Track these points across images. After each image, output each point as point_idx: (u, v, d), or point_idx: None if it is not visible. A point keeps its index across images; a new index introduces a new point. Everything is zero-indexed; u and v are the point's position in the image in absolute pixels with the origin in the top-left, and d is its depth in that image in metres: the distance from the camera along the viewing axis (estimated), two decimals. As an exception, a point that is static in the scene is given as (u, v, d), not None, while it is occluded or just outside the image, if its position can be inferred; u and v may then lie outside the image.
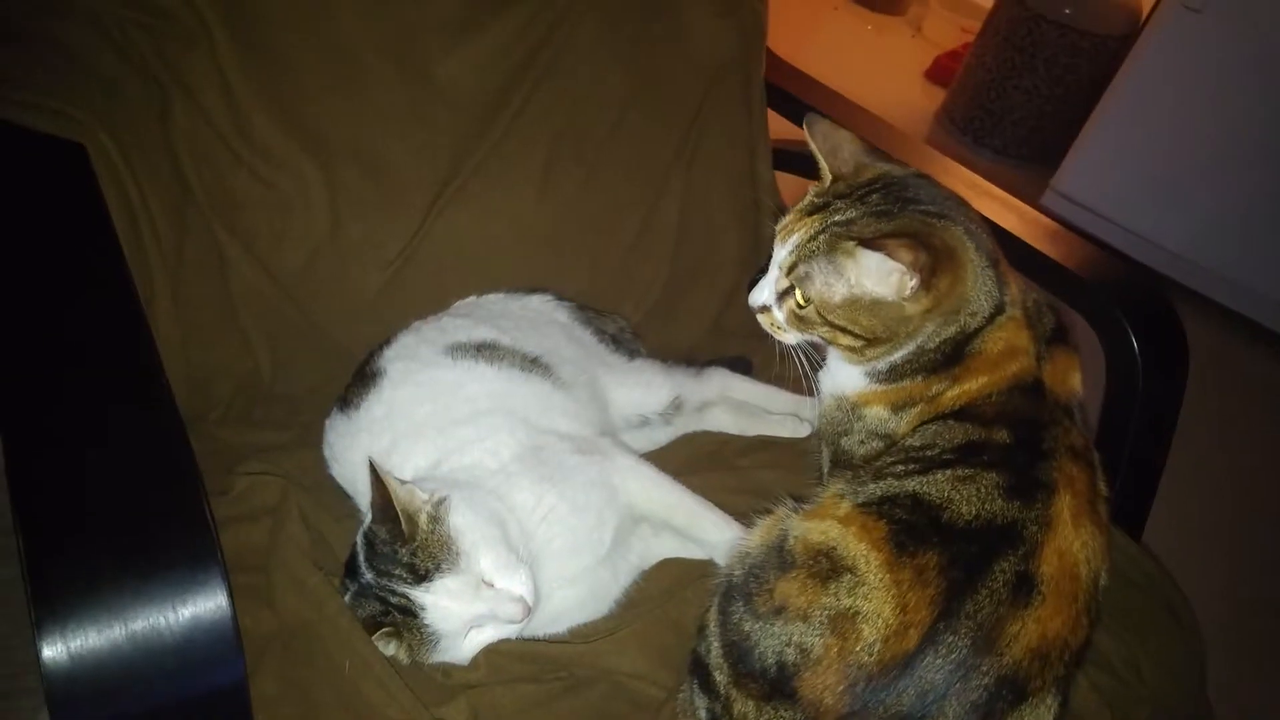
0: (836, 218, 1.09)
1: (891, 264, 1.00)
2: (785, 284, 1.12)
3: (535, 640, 1.17)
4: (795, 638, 0.93)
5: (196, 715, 0.81)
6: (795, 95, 1.86)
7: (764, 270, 1.17)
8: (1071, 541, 0.96)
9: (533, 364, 1.34)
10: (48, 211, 1.10)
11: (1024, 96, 3.66)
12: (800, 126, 1.82)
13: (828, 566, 0.95)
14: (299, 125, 1.45)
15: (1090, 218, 3.29)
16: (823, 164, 1.17)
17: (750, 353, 1.71)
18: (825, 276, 1.07)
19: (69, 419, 0.89)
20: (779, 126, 1.87)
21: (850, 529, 0.96)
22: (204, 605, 0.78)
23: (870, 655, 0.90)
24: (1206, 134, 3.08)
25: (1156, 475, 1.47)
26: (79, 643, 0.73)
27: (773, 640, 0.95)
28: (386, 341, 1.37)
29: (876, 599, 0.91)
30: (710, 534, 1.25)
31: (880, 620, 0.90)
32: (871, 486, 1.01)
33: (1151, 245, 3.22)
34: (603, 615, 1.22)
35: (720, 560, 1.18)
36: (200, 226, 1.39)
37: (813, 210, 1.13)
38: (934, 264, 1.01)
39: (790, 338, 1.17)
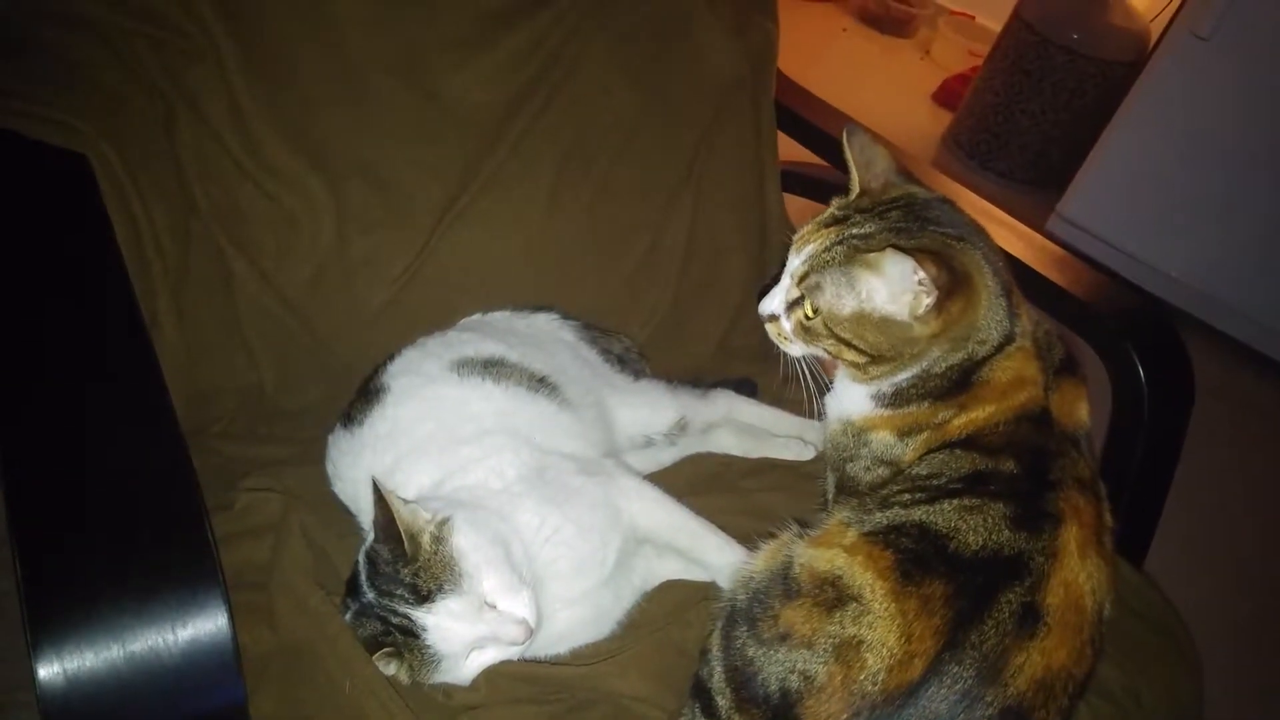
0: (854, 231, 1.09)
1: (912, 278, 1.00)
2: (796, 294, 1.12)
3: (537, 661, 1.16)
4: (799, 665, 0.92)
5: (195, 738, 0.81)
6: (804, 117, 1.86)
7: (776, 279, 1.17)
8: (1077, 573, 0.95)
9: (539, 383, 1.34)
10: (49, 222, 1.10)
11: (1031, 121, 3.66)
12: (808, 148, 1.84)
13: (833, 595, 0.94)
14: (305, 140, 1.45)
15: (1095, 244, 3.29)
16: (854, 175, 1.17)
17: (756, 375, 1.70)
18: (836, 288, 1.07)
19: (68, 435, 0.89)
20: (787, 148, 1.87)
21: (856, 558, 0.96)
22: (203, 627, 0.77)
23: (874, 684, 0.89)
24: (1213, 162, 3.08)
25: (1160, 503, 1.47)
26: (75, 664, 0.73)
27: (776, 666, 0.94)
28: (391, 357, 1.37)
29: (881, 628, 0.91)
30: (713, 557, 1.24)
31: (885, 649, 0.90)
32: (878, 515, 1.01)
33: (1156, 272, 3.22)
34: (605, 637, 1.21)
35: (723, 583, 1.17)
36: (205, 240, 1.39)
37: (832, 222, 1.13)
38: (951, 286, 1.01)
39: (796, 349, 1.17)
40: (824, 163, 1.83)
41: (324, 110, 1.47)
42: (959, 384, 1.07)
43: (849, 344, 1.09)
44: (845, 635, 0.91)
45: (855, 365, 1.11)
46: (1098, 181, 3.30)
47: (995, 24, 3.91)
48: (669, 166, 1.75)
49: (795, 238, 1.15)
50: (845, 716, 0.90)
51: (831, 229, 1.11)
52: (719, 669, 1.00)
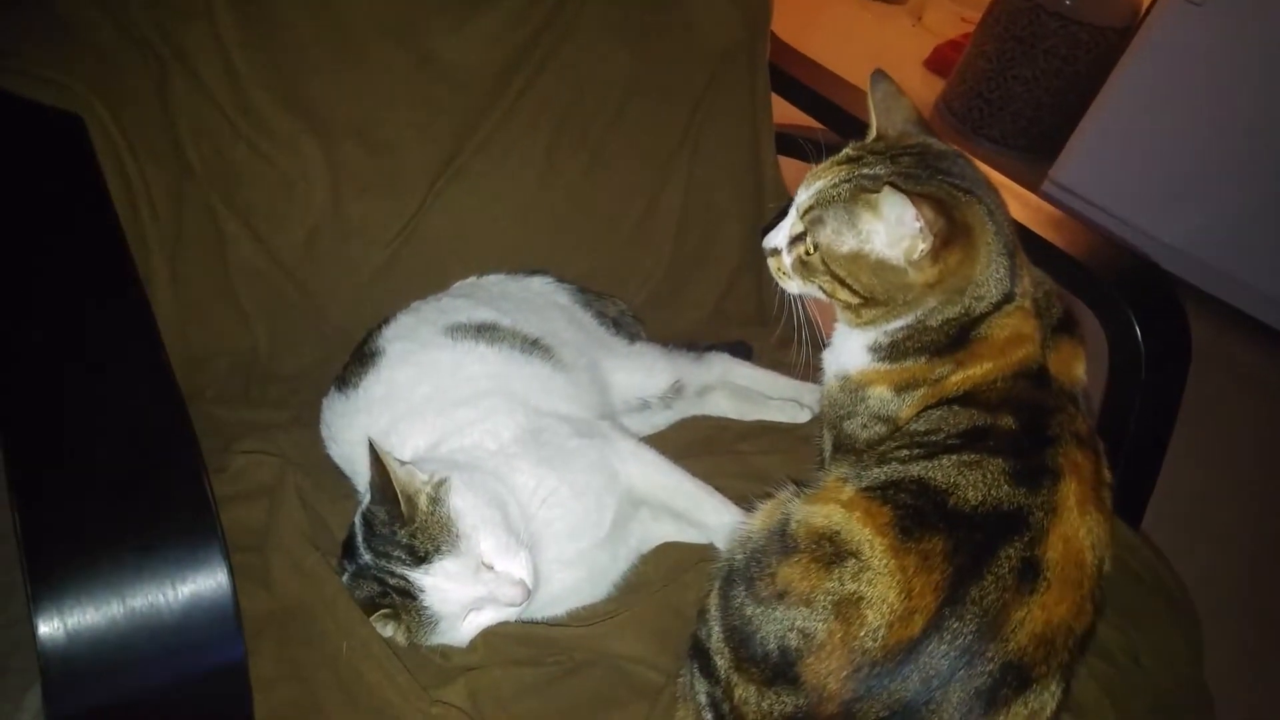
0: (865, 170, 1.09)
1: (909, 221, 1.00)
2: (799, 228, 1.12)
3: (534, 623, 1.16)
4: (798, 623, 0.92)
5: (195, 695, 0.80)
6: (799, 79, 1.85)
7: (785, 214, 1.17)
8: (1077, 528, 0.95)
9: (533, 346, 1.33)
10: (46, 180, 1.09)
11: (1023, 87, 3.65)
12: (803, 111, 1.83)
13: (831, 551, 0.94)
14: (300, 102, 1.44)
15: (1088, 209, 3.29)
16: (873, 119, 1.18)
17: (751, 338, 1.70)
18: (837, 224, 1.07)
19: (68, 393, 0.88)
20: (782, 111, 1.86)
21: (854, 514, 0.95)
22: (204, 583, 0.77)
23: (874, 641, 0.89)
24: (1205, 128, 3.08)
25: (1156, 465, 1.47)
26: (76, 619, 0.73)
27: (775, 625, 0.94)
28: (385, 321, 1.36)
29: (881, 584, 0.90)
30: (710, 517, 1.24)
31: (885, 606, 0.89)
32: (875, 471, 1.00)
33: (1148, 238, 3.22)
34: (602, 598, 1.21)
35: (720, 544, 1.17)
36: (199, 202, 1.38)
37: (845, 161, 1.13)
38: (948, 234, 1.01)
39: (794, 286, 1.16)
40: (819, 125, 1.82)
41: (318, 72, 1.46)
42: (956, 340, 1.06)
43: (843, 283, 1.09)
44: (844, 592, 0.91)
45: (848, 307, 1.11)
46: (1090, 147, 3.30)
47: (988, -10, 3.89)
48: (664, 131, 1.74)
49: (808, 174, 1.15)
50: (845, 673, 0.89)
51: (843, 167, 1.11)
52: (717, 629, 1.00)
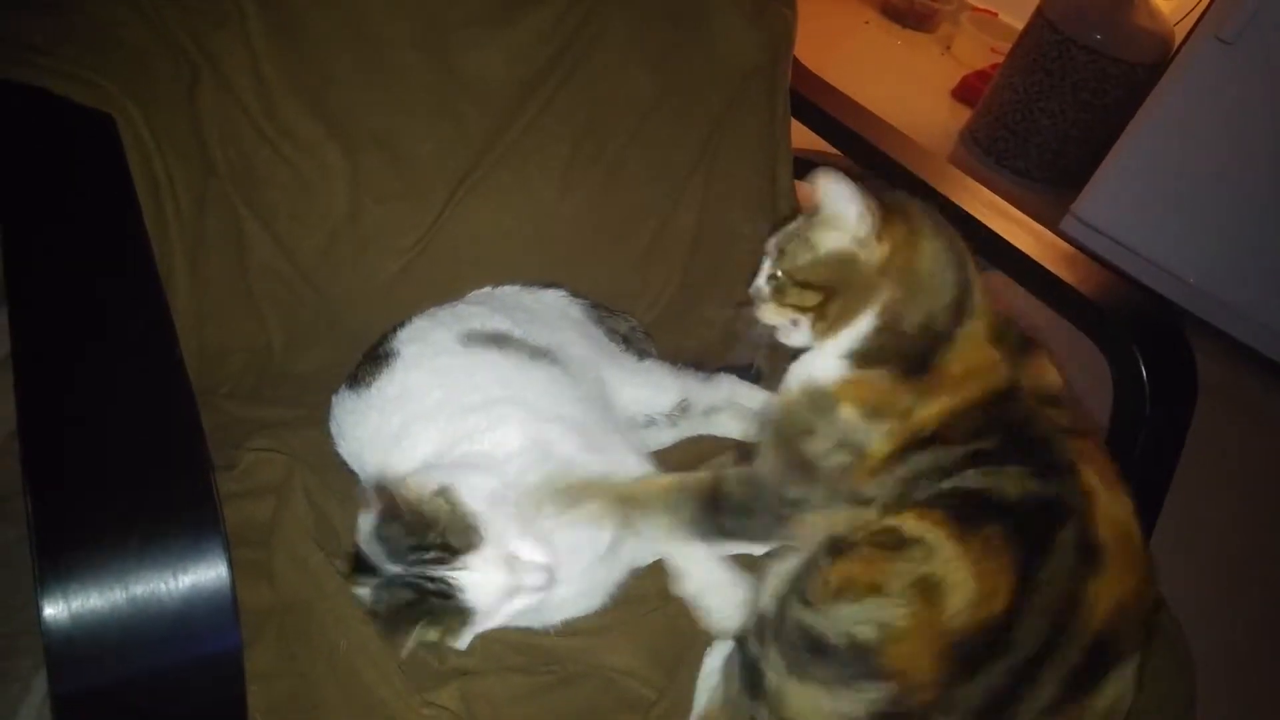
0: None
1: (846, 198, 1.07)
2: (770, 269, 1.19)
3: (530, 631, 1.17)
4: (871, 614, 0.91)
5: (191, 681, 0.82)
6: (820, 106, 1.86)
7: None
8: (1113, 506, 0.97)
9: (543, 355, 1.35)
10: (75, 178, 1.11)
11: (1050, 120, 3.64)
12: (823, 138, 1.84)
13: (894, 539, 0.95)
14: (324, 108, 1.46)
15: (1110, 245, 3.28)
16: None
17: (760, 361, 1.71)
18: (795, 246, 1.14)
19: (83, 383, 0.90)
20: (802, 136, 1.88)
21: (907, 518, 0.96)
22: (204, 574, 0.78)
23: (960, 621, 0.89)
24: (1232, 168, 3.07)
25: (1158, 502, 1.47)
26: (80, 602, 0.74)
27: (840, 623, 0.93)
28: (401, 324, 1.37)
29: (953, 567, 0.91)
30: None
31: (964, 586, 0.90)
32: (907, 501, 1.01)
33: (1171, 276, 3.21)
34: (596, 609, 1.22)
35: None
36: (221, 202, 1.39)
37: None
38: (885, 212, 1.07)
39: (768, 311, 1.19)
40: (838, 152, 1.83)
41: (344, 80, 1.48)
42: (922, 360, 1.07)
43: (808, 285, 1.13)
44: (919, 574, 0.91)
45: (815, 310, 1.13)
46: (1115, 183, 3.29)
47: (1018, 22, 3.90)
48: (681, 150, 1.76)
49: None
50: (934, 655, 0.89)
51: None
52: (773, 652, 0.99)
